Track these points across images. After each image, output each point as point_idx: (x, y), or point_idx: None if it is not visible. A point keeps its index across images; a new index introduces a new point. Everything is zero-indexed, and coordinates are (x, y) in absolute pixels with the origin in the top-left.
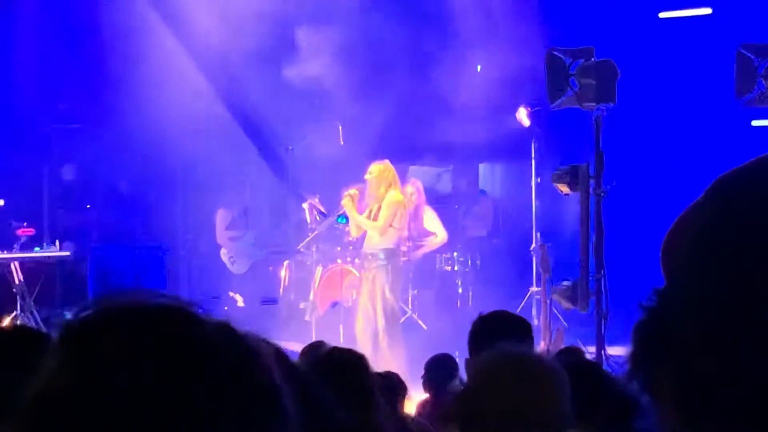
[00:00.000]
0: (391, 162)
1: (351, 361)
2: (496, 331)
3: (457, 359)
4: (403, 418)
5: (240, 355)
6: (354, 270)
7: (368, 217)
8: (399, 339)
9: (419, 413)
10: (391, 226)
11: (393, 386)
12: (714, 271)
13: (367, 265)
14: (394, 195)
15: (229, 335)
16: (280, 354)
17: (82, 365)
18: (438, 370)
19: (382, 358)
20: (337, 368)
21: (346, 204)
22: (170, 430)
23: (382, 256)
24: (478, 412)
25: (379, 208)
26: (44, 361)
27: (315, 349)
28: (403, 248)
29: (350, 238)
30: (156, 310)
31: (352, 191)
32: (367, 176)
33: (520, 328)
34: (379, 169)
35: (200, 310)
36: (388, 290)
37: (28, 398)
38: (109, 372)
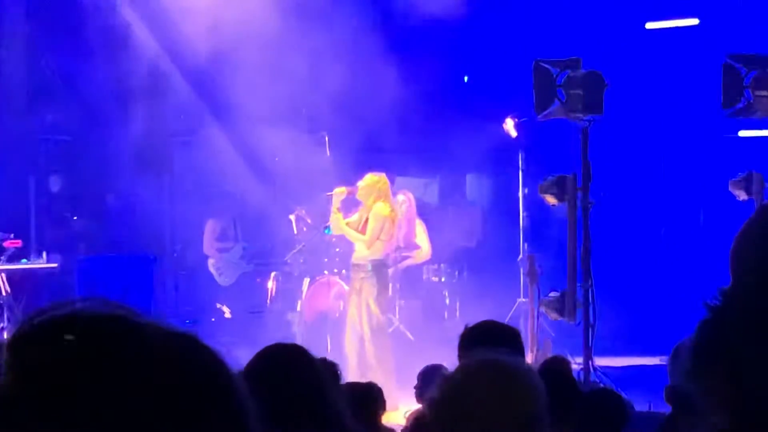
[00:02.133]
0: (378, 172)
1: (292, 359)
2: (485, 340)
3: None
4: (379, 429)
5: (196, 368)
6: (341, 281)
7: (357, 226)
8: (387, 350)
9: (409, 424)
10: (378, 239)
11: (371, 397)
12: None
13: (354, 275)
14: (381, 207)
15: (188, 348)
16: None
17: (18, 371)
18: (433, 381)
19: (370, 369)
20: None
21: (335, 217)
22: None
23: (369, 267)
24: (452, 418)
25: (368, 219)
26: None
27: None
28: (389, 262)
29: (333, 240)
30: (101, 318)
31: (340, 189)
32: (360, 183)
33: (509, 337)
34: (372, 180)
35: (187, 322)
36: (374, 301)
37: None
38: (44, 377)
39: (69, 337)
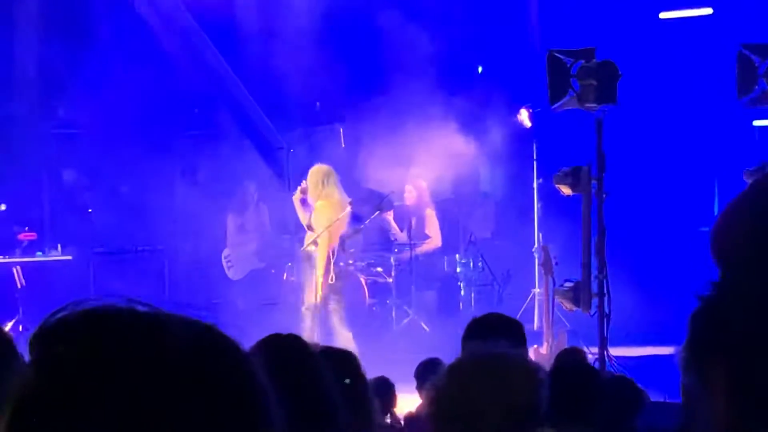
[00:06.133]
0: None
1: (343, 361)
2: (488, 333)
3: None
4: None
5: (218, 359)
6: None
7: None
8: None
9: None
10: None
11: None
12: None
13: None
14: (319, 204)
15: (207, 339)
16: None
17: (45, 368)
18: (429, 375)
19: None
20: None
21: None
22: None
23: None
24: (448, 409)
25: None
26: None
27: None
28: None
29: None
30: (125, 314)
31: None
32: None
33: (512, 329)
34: (311, 172)
35: (193, 314)
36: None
37: (6, 400)
38: (72, 375)
39: (91, 334)
